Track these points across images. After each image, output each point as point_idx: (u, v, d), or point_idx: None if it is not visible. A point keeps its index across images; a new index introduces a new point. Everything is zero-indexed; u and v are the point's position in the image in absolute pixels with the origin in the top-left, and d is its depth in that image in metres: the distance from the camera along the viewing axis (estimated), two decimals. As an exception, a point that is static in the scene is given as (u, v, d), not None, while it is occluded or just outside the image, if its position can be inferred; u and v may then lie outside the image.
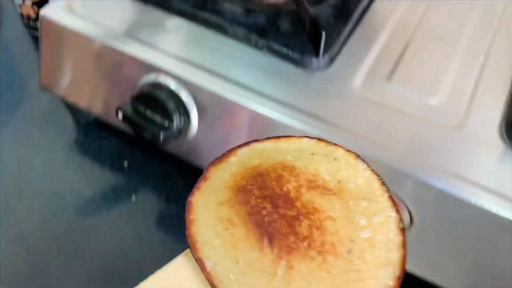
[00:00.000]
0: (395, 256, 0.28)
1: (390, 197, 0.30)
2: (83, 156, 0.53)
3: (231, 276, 0.27)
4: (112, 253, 0.44)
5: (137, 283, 0.28)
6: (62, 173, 0.52)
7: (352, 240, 0.29)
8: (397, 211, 0.29)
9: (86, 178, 0.51)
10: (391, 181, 0.33)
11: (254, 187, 0.30)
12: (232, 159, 0.31)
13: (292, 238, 0.28)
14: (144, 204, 0.49)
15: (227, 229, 0.28)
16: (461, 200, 0.37)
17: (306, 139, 0.33)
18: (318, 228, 0.29)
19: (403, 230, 0.29)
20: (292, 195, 0.30)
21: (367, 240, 0.29)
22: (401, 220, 0.29)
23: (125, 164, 0.53)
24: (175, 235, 0.46)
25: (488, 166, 0.38)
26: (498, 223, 0.36)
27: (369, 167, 0.31)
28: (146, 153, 0.53)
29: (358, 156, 0.32)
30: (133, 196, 0.50)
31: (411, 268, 0.41)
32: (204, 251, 0.27)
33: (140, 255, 0.45)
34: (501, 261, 0.37)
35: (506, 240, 0.35)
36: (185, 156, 0.47)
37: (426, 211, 0.39)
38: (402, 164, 0.40)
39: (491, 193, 0.37)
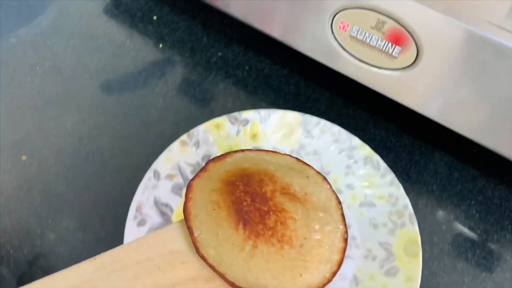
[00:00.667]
0: (336, 257, 0.36)
1: (342, 214, 0.39)
2: (116, 8, 0.59)
3: (211, 244, 0.34)
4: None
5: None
6: (96, 20, 0.55)
7: (305, 238, 0.36)
8: (345, 225, 0.38)
9: (118, 26, 0.56)
10: (403, 11, 0.37)
11: (240, 183, 0.37)
12: (229, 159, 0.39)
13: (261, 226, 0.35)
14: (170, 51, 0.54)
15: (214, 209, 0.36)
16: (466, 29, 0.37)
17: (288, 157, 0.41)
18: (282, 223, 0.36)
19: (345, 240, 0.37)
20: (268, 195, 0.37)
21: (317, 241, 0.37)
22: (346, 232, 0.38)
23: (154, 18, 0.57)
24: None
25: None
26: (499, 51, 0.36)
27: (331, 188, 0.39)
28: (174, 10, 0.58)
29: (325, 178, 0.40)
30: (160, 44, 0.55)
31: (408, 103, 0.43)
32: (195, 222, 0.35)
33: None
34: (500, 93, 0.37)
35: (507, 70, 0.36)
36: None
37: (433, 41, 0.39)
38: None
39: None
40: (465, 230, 0.43)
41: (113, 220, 0.42)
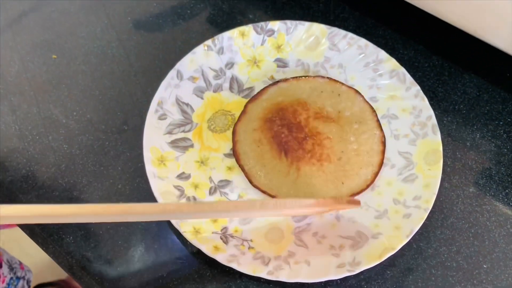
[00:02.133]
0: (375, 159, 0.39)
1: (377, 121, 0.39)
2: None
3: (261, 174, 0.39)
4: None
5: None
6: None
7: (342, 151, 0.40)
8: (381, 130, 0.41)
9: None
10: None
11: (277, 118, 0.41)
12: (264, 96, 0.42)
13: (301, 152, 0.39)
14: None
15: (258, 146, 0.40)
16: None
17: (319, 78, 0.42)
18: (319, 145, 0.40)
19: (383, 143, 0.40)
20: (302, 123, 0.41)
21: (354, 150, 0.40)
22: (383, 136, 0.40)
23: None
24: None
25: None
26: None
27: (364, 99, 0.40)
28: None
29: (357, 91, 0.41)
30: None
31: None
32: (244, 160, 0.39)
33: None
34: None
35: None
36: None
37: None
38: None
39: None
40: (491, 148, 0.42)
41: (136, 116, 0.43)
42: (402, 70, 0.43)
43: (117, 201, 0.39)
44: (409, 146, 0.41)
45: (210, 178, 0.39)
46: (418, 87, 0.42)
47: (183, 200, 0.37)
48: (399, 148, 0.41)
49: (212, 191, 0.39)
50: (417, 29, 0.48)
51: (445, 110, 0.44)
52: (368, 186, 0.38)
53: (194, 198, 0.38)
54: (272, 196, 0.38)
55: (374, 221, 0.37)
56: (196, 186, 0.39)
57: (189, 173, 0.39)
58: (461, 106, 0.44)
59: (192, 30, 0.48)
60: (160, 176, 0.38)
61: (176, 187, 0.38)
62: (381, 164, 0.39)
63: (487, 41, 0.41)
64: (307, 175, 0.39)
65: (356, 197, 0.38)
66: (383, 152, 0.39)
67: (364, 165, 0.39)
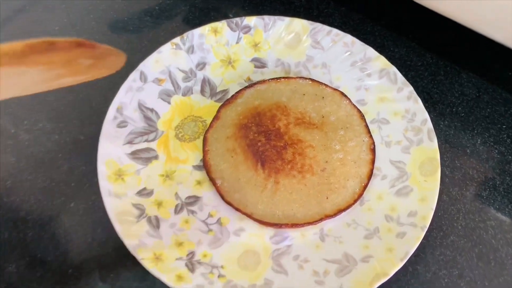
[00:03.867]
0: (364, 170, 0.35)
1: (366, 126, 0.34)
2: None
3: (234, 188, 0.34)
4: None
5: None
6: None
7: (326, 161, 0.35)
8: (370, 136, 0.36)
9: None
10: None
11: (253, 124, 0.36)
12: (239, 100, 0.38)
13: (280, 162, 0.35)
14: None
15: (232, 156, 0.35)
16: None
17: (300, 80, 0.38)
18: (300, 154, 0.35)
19: (373, 151, 0.36)
20: (282, 130, 0.36)
21: (340, 160, 0.35)
22: (372, 143, 0.36)
23: None
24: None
25: None
26: None
27: (350, 102, 0.36)
28: None
29: (342, 93, 0.36)
30: None
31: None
32: (216, 172, 0.35)
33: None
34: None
35: None
36: None
37: None
38: None
39: None
40: (494, 155, 0.37)
41: (93, 125, 0.38)
42: (393, 69, 0.39)
43: (69, 223, 0.34)
44: (402, 155, 0.36)
45: (176, 194, 0.35)
46: (411, 88, 0.38)
47: (143, 221, 0.32)
48: (391, 156, 0.36)
49: (178, 210, 0.34)
50: (409, 25, 0.43)
51: (441, 114, 0.39)
52: (356, 200, 0.34)
53: (157, 218, 0.33)
54: (247, 215, 0.33)
55: (364, 242, 0.33)
56: (159, 204, 0.34)
57: (151, 189, 0.34)
58: (459, 108, 0.40)
59: (161, 28, 0.44)
60: (117, 193, 0.33)
61: (136, 205, 0.33)
62: (370, 175, 0.35)
63: (486, 34, 0.37)
64: (287, 189, 0.34)
65: (343, 214, 0.34)
66: (373, 161, 0.35)
67: (352, 176, 0.35)
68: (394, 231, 0.32)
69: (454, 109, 0.39)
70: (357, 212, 0.34)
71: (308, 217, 0.33)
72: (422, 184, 0.34)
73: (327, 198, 0.34)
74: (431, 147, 0.35)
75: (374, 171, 0.36)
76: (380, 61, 0.39)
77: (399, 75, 0.38)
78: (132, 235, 0.31)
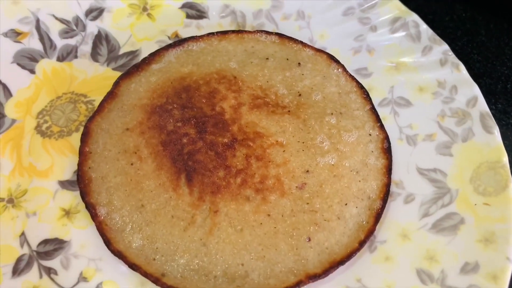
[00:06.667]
0: (374, 186, 0.21)
1: (372, 109, 0.23)
2: None
3: (131, 225, 0.20)
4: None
5: None
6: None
7: (307, 171, 0.21)
8: (382, 128, 0.23)
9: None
10: None
11: (175, 106, 0.22)
12: (155, 66, 0.24)
13: (221, 173, 0.21)
14: None
15: (132, 164, 0.21)
16: None
17: (262, 35, 0.25)
18: (258, 158, 0.21)
19: (387, 152, 0.22)
20: (227, 116, 0.22)
21: (331, 167, 0.21)
22: (385, 138, 0.22)
23: None
24: None
25: None
26: None
27: (345, 70, 0.24)
28: None
29: (332, 57, 0.24)
30: None
31: None
32: (100, 193, 0.21)
33: None
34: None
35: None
36: None
37: None
38: None
39: None
40: None
41: None
42: (413, 17, 0.27)
43: None
44: (439, 158, 0.23)
45: (22, 236, 0.20)
46: (446, 46, 0.26)
47: None
48: (419, 161, 0.23)
49: (21, 267, 0.18)
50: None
51: (490, 92, 0.26)
52: (362, 243, 0.20)
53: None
54: (155, 278, 0.18)
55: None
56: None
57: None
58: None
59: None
60: None
61: None
62: (385, 194, 0.21)
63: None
64: (233, 224, 0.20)
65: (340, 270, 0.20)
66: (388, 170, 0.22)
67: (353, 198, 0.21)
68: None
69: (508, 85, 0.25)
70: (365, 264, 0.21)
71: (274, 279, 0.19)
72: (481, 211, 0.21)
73: (309, 239, 0.20)
74: (491, 143, 0.22)
75: (392, 187, 0.22)
76: (391, 5, 0.26)
77: (424, 26, 0.26)
78: None
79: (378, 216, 0.20)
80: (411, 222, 0.21)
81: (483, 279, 0.19)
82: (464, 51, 0.29)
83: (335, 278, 0.20)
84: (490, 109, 0.26)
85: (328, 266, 0.19)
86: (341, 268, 0.20)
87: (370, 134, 0.22)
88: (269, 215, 0.19)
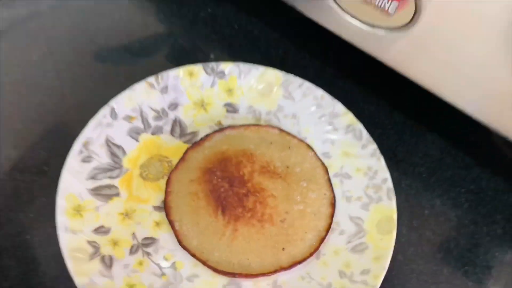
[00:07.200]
0: (323, 223, 0.35)
1: (328, 180, 0.35)
2: None
3: (193, 234, 0.34)
4: None
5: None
6: None
7: (287, 212, 0.35)
8: (331, 190, 0.37)
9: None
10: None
11: (218, 170, 0.36)
12: (208, 143, 0.38)
13: (240, 210, 0.35)
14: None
15: (193, 200, 0.35)
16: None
17: (269, 128, 0.39)
18: (261, 203, 0.35)
19: (333, 205, 0.36)
20: (245, 177, 0.36)
21: (300, 212, 0.36)
22: (333, 197, 0.37)
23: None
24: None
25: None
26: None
27: (316, 155, 0.36)
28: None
29: (309, 146, 0.37)
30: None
31: (402, 69, 0.38)
32: (175, 215, 0.35)
33: None
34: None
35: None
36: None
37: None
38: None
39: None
40: (451, 218, 0.38)
41: (59, 157, 0.38)
42: (359, 125, 0.39)
43: (23, 255, 0.33)
44: (361, 211, 0.37)
45: (133, 234, 0.34)
46: (375, 146, 0.38)
47: (96, 260, 0.32)
48: (351, 212, 0.37)
49: (133, 250, 0.34)
50: (380, 83, 0.45)
51: (404, 173, 0.40)
52: (312, 253, 0.34)
53: (111, 258, 0.33)
54: (202, 261, 0.33)
55: (316, 297, 0.33)
56: (115, 243, 0.33)
57: (109, 227, 0.34)
58: (422, 169, 0.41)
59: (139, 65, 0.44)
60: (73, 229, 0.33)
61: (91, 243, 0.33)
62: (328, 228, 0.35)
63: (453, 103, 0.38)
64: (245, 238, 0.34)
65: (299, 266, 0.34)
66: (332, 215, 0.35)
67: (310, 229, 0.35)
68: (346, 288, 0.33)
69: (417, 169, 0.40)
70: (312, 265, 0.34)
71: (262, 268, 0.33)
72: (378, 243, 0.34)
73: (283, 249, 0.34)
74: (390, 206, 0.36)
75: (333, 225, 0.36)
76: (347, 117, 0.40)
77: (365, 132, 0.39)
78: (83, 274, 0.31)
79: (322, 240, 0.34)
80: (340, 245, 0.35)
81: (369, 278, 0.32)
82: (393, 144, 0.41)
83: (296, 272, 0.33)
84: (401, 184, 0.39)
85: (292, 264, 0.33)
86: (298, 266, 0.33)
87: (325, 194, 0.36)
88: (263, 234, 0.34)
